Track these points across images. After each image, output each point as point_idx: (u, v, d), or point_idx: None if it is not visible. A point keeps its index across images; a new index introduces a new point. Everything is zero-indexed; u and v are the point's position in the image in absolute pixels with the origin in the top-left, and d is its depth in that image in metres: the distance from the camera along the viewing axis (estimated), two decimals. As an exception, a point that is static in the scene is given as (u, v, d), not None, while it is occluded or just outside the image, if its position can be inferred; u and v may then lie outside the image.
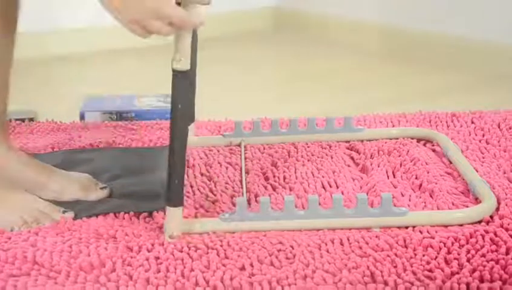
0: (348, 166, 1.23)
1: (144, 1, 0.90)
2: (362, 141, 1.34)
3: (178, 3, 0.92)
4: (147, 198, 1.10)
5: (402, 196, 1.10)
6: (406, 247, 0.94)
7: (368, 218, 0.99)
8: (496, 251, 0.92)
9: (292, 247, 0.94)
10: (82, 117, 1.59)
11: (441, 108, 1.52)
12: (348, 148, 1.32)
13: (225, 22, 2.60)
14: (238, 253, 0.93)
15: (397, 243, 0.95)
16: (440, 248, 0.93)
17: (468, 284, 0.85)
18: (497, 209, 1.03)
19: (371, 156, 1.27)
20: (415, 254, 0.92)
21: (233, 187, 1.16)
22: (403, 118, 1.47)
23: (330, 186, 1.15)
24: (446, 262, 0.90)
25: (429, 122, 1.44)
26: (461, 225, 0.99)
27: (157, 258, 0.92)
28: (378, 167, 1.22)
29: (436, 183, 1.13)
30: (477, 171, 1.17)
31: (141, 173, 1.20)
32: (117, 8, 0.90)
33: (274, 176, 1.19)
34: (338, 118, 1.41)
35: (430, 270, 0.88)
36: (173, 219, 0.97)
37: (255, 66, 2.25)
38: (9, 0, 1.04)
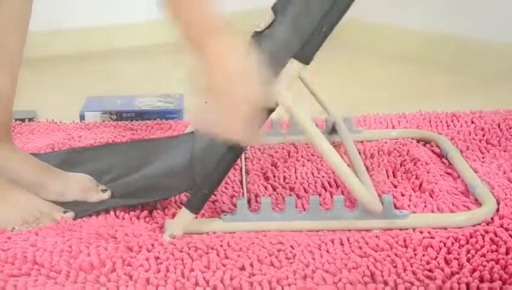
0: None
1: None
2: (362, 141, 1.34)
3: None
4: (146, 194, 1.09)
5: (402, 196, 1.10)
6: (406, 247, 0.94)
7: (369, 220, 0.99)
8: (496, 251, 0.92)
9: (292, 247, 0.94)
10: (82, 117, 1.59)
11: (441, 108, 1.52)
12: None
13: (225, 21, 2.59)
14: (238, 253, 0.93)
15: (397, 243, 0.95)
16: (440, 248, 0.93)
17: (468, 284, 0.85)
18: (497, 209, 1.03)
19: (371, 156, 1.27)
20: (415, 254, 0.92)
21: (233, 187, 1.15)
22: (403, 118, 1.47)
23: (330, 186, 1.15)
24: (446, 262, 0.90)
25: (429, 122, 1.44)
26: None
27: (157, 258, 0.92)
28: (378, 167, 1.22)
29: (436, 184, 1.13)
30: (477, 171, 1.17)
31: (140, 169, 1.20)
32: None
33: (274, 176, 1.19)
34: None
35: (430, 270, 0.88)
36: (181, 221, 0.97)
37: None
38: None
